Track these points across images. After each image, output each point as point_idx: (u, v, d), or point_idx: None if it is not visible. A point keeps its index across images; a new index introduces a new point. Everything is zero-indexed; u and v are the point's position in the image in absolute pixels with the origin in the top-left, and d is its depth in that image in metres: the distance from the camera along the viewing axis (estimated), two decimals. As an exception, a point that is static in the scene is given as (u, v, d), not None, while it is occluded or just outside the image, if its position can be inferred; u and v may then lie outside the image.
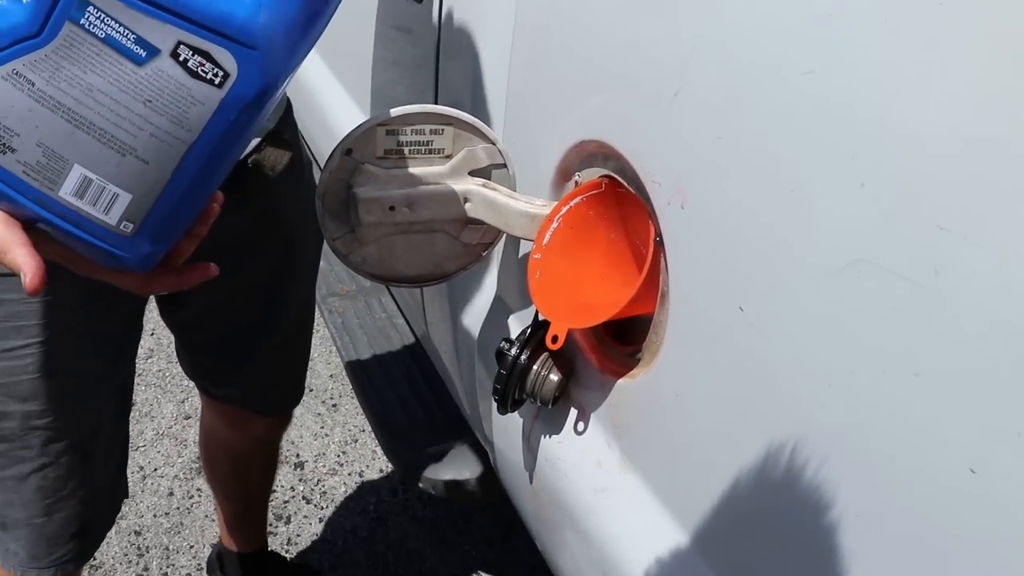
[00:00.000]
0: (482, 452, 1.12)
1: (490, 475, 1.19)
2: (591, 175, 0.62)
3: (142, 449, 1.68)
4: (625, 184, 0.58)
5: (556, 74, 0.50)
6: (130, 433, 0.96)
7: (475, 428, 1.04)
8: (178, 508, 1.58)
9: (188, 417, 1.77)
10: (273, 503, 1.59)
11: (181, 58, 0.45)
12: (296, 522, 1.56)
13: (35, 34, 0.45)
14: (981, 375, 0.35)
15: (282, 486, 1.63)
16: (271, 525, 1.54)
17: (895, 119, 0.37)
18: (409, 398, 1.31)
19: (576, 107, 0.61)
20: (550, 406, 0.68)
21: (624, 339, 0.64)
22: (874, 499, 0.40)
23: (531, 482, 0.76)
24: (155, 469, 1.65)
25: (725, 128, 0.47)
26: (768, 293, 0.46)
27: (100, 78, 0.46)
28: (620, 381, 0.62)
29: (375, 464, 1.70)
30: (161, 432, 1.74)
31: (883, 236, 0.38)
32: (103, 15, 0.44)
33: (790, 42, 0.43)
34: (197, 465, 1.66)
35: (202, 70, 0.46)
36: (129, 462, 0.98)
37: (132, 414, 1.06)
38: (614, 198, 0.61)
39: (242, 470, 1.23)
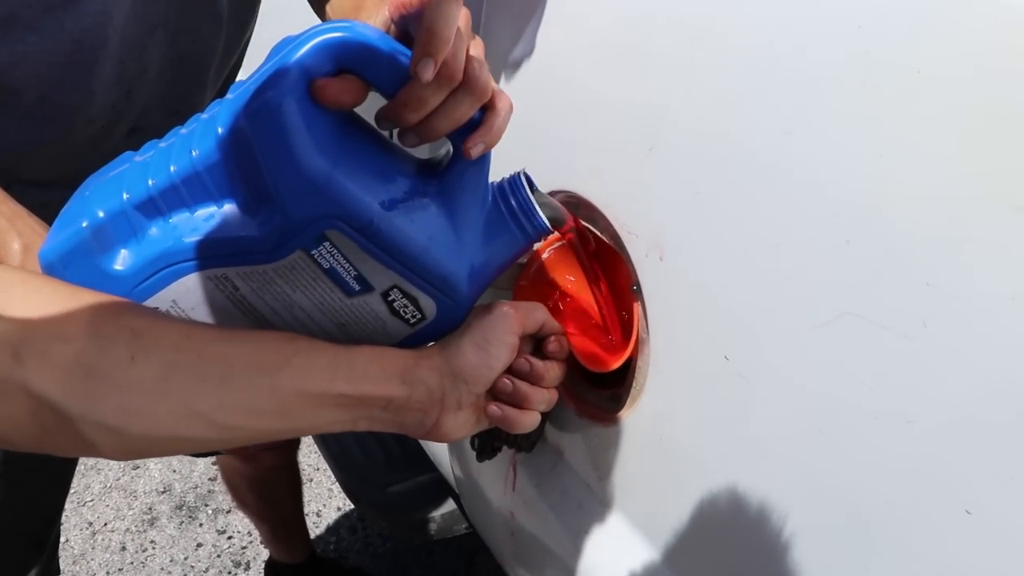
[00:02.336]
0: (444, 487, 1.10)
1: (453, 511, 1.17)
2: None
3: (90, 504, 1.59)
4: (598, 233, 0.58)
5: (523, 125, 0.50)
6: (76, 488, 0.92)
7: (441, 467, 1.02)
8: (132, 563, 1.50)
9: (136, 467, 1.69)
10: (230, 549, 1.52)
11: (390, 298, 0.47)
12: (256, 568, 1.50)
13: (263, 252, 0.45)
14: (973, 421, 0.35)
15: (238, 531, 1.57)
16: (229, 573, 1.47)
17: (880, 178, 0.38)
18: (366, 435, 1.28)
19: (544, 158, 0.60)
20: (529, 452, 0.67)
21: (600, 383, 0.63)
22: (871, 546, 0.40)
23: (510, 525, 0.75)
24: (105, 524, 1.57)
25: (702, 184, 0.48)
26: (753, 344, 0.46)
27: (306, 298, 0.47)
28: (599, 424, 0.61)
29: (332, 503, 1.66)
30: (109, 485, 1.65)
31: (869, 290, 0.39)
32: (335, 251, 0.45)
33: (766, 105, 0.43)
34: (149, 516, 1.58)
35: (404, 311, 0.49)
36: (77, 518, 0.93)
37: (78, 468, 1.00)
38: (573, 248, 0.61)
39: (267, 494, 1.22)
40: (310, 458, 1.73)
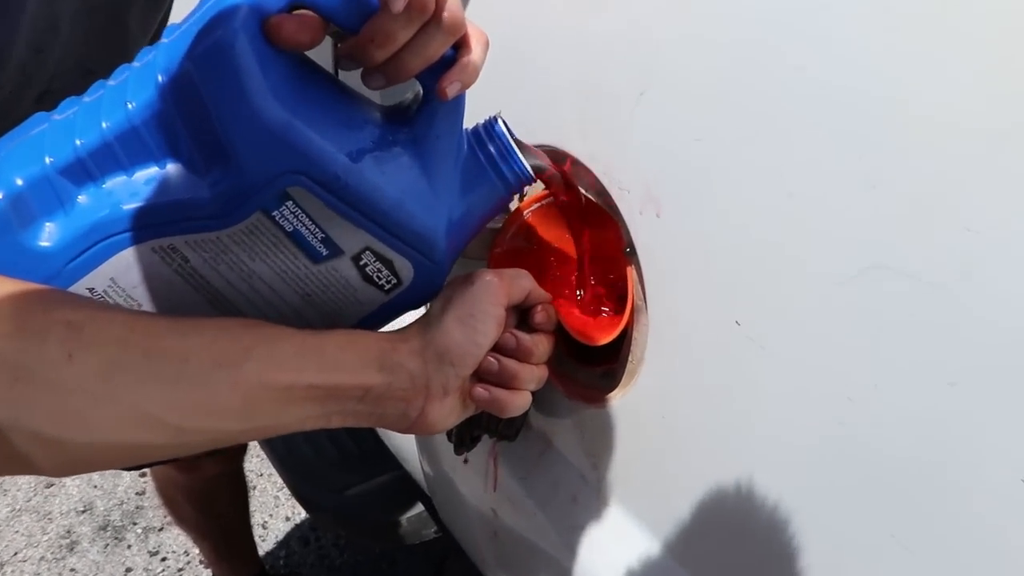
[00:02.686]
0: (410, 486, 1.09)
1: (421, 513, 1.16)
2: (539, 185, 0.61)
3: (-3, 530, 1.55)
4: (583, 191, 0.57)
5: (495, 66, 0.49)
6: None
7: (407, 464, 1.01)
8: (50, 594, 1.47)
9: (50, 485, 1.65)
10: (165, 573, 1.50)
11: (361, 262, 0.47)
12: (196, 590, 1.48)
13: (216, 217, 0.44)
14: None
15: (173, 551, 1.55)
16: (167, 599, 1.45)
17: (909, 111, 0.38)
18: (316, 431, 1.27)
19: (520, 106, 0.59)
20: (512, 440, 0.67)
21: (591, 358, 0.63)
22: (914, 523, 0.41)
23: (492, 525, 0.75)
24: (15, 553, 1.53)
25: (703, 129, 0.47)
26: (768, 305, 0.46)
27: (267, 267, 0.46)
28: (592, 406, 0.61)
29: (279, 512, 1.64)
30: (18, 508, 1.61)
31: (901, 239, 0.39)
32: (299, 211, 0.44)
33: (776, 32, 0.43)
34: (68, 540, 1.55)
35: (378, 276, 0.48)
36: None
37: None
38: (557, 206, 0.61)
39: (209, 507, 1.21)
40: (252, 462, 1.71)
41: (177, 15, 0.54)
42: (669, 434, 0.55)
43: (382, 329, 0.52)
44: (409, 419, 0.49)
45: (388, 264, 0.48)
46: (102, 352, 0.38)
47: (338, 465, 1.16)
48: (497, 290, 0.51)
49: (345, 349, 0.46)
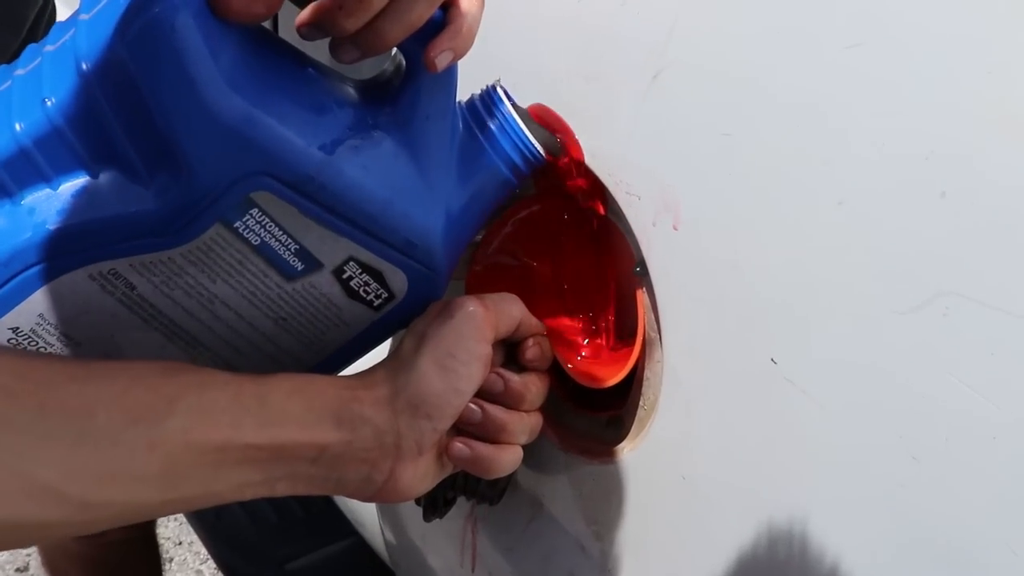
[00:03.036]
0: (367, 558, 1.08)
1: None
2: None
3: None
4: (579, 198, 0.57)
5: (480, 43, 0.49)
6: None
7: (364, 530, 1.00)
8: None
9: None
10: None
11: (344, 275, 0.47)
12: None
13: (166, 232, 0.43)
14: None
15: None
16: None
17: (987, 105, 0.38)
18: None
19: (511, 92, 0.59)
20: (494, 503, 0.67)
21: (591, 403, 0.63)
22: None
23: (469, 607, 0.74)
24: None
25: (732, 120, 0.47)
26: (812, 339, 0.45)
27: (231, 289, 0.46)
28: (593, 461, 0.61)
29: (204, 588, 1.62)
30: None
31: (976, 260, 0.39)
32: (266, 220, 0.44)
33: (822, 7, 0.43)
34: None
35: (364, 291, 0.49)
36: None
37: None
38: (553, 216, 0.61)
39: None
40: (168, 527, 1.69)
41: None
42: (689, 497, 0.54)
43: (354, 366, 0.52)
44: (375, 485, 0.48)
45: (377, 276, 0.48)
46: None
47: (278, 532, 1.15)
48: (482, 323, 0.50)
49: (293, 398, 0.45)
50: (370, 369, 0.50)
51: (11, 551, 1.65)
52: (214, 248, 0.45)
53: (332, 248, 0.46)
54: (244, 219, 0.44)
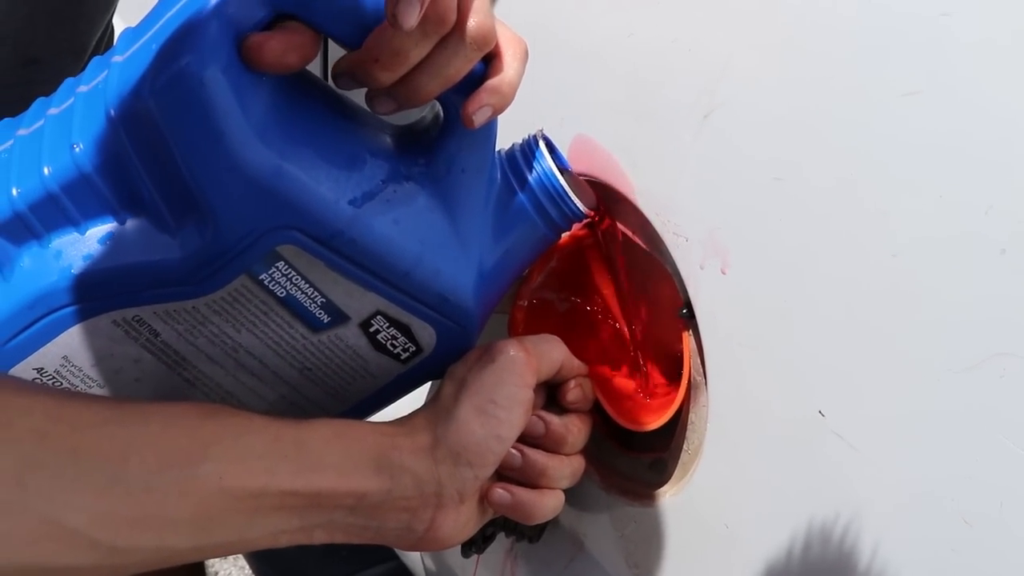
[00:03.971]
0: (408, 581, 1.08)
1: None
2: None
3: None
4: (630, 235, 0.56)
5: (529, 88, 0.49)
6: None
7: (405, 556, 1.00)
8: None
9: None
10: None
11: (371, 329, 0.47)
12: None
13: (191, 282, 0.44)
14: None
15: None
16: None
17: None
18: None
19: (553, 128, 0.59)
20: (534, 541, 0.66)
21: (634, 444, 0.62)
22: None
23: (506, 643, 0.73)
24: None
25: (785, 163, 0.46)
26: (862, 394, 0.44)
27: (256, 339, 0.46)
28: (635, 503, 0.60)
29: (248, 604, 1.63)
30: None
31: (1036, 320, 0.37)
32: (293, 273, 0.44)
33: (882, 51, 0.42)
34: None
35: (391, 344, 0.48)
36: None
37: None
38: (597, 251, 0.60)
39: None
40: (215, 540, 1.71)
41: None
42: (731, 547, 0.53)
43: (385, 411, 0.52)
44: (415, 534, 0.48)
45: (405, 330, 0.48)
46: (14, 449, 0.37)
47: (323, 554, 1.15)
48: (524, 368, 0.50)
49: (332, 444, 0.45)
50: (410, 416, 0.50)
51: None
52: (239, 299, 0.45)
53: (359, 302, 0.46)
54: (270, 271, 0.44)
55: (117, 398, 0.45)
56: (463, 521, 0.49)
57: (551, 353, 0.52)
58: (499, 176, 0.50)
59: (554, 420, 0.51)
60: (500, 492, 0.50)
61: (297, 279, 0.45)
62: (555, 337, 0.53)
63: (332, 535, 0.46)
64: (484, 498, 0.50)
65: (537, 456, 0.50)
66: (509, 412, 0.49)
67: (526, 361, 0.50)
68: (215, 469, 0.41)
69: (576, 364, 0.53)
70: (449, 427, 0.48)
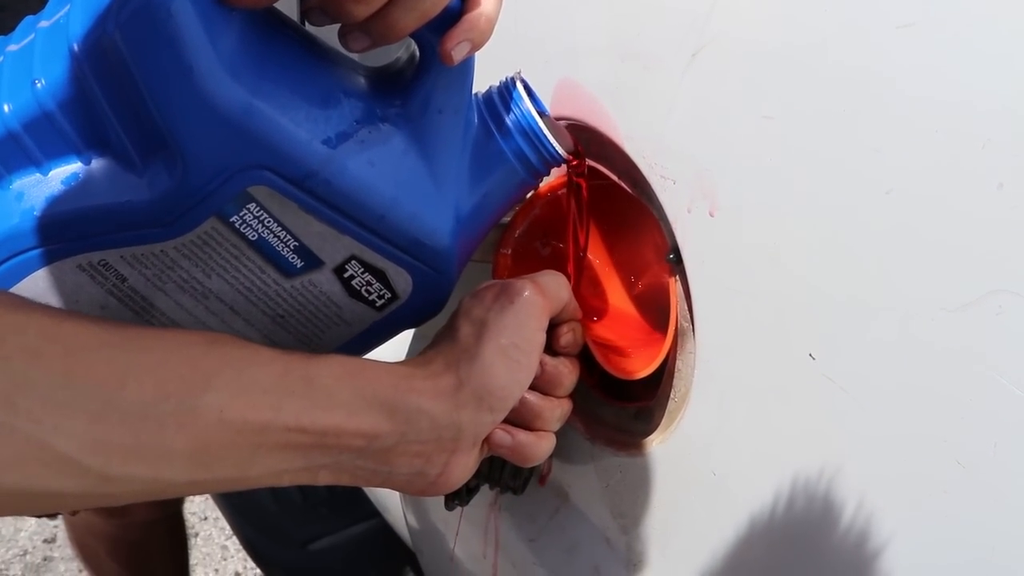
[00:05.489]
0: (391, 541, 1.09)
1: (404, 573, 1.16)
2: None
3: None
4: (615, 178, 0.56)
5: (510, 27, 0.48)
6: None
7: (388, 513, 1.00)
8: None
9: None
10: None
11: (346, 274, 0.47)
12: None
13: (159, 224, 0.43)
14: None
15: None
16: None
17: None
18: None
19: (542, 73, 0.58)
20: (518, 493, 0.66)
21: (620, 393, 0.61)
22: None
23: (491, 597, 0.74)
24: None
25: (775, 102, 0.45)
26: (853, 335, 0.44)
27: (227, 284, 0.45)
28: (621, 453, 0.60)
29: (228, 566, 1.64)
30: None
31: (1034, 256, 0.37)
32: (265, 215, 0.43)
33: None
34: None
35: (366, 290, 0.48)
36: None
37: None
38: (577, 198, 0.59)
39: (138, 562, 1.21)
40: (194, 503, 1.71)
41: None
42: (719, 494, 0.53)
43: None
44: (427, 479, 0.47)
45: (380, 275, 0.47)
46: (5, 368, 0.36)
47: (301, 512, 1.15)
48: (541, 311, 0.49)
49: (343, 382, 0.44)
50: (426, 356, 0.48)
51: (39, 522, 1.67)
52: (209, 242, 0.44)
53: (333, 246, 0.45)
54: (241, 213, 0.43)
55: (118, 321, 0.43)
56: (471, 465, 0.49)
57: (560, 293, 0.51)
58: (476, 119, 0.49)
59: (549, 362, 0.51)
60: (501, 434, 0.49)
61: (269, 221, 0.44)
62: (561, 276, 0.52)
63: (338, 477, 0.45)
64: (485, 441, 0.50)
65: (534, 398, 0.50)
66: (529, 356, 0.48)
67: (543, 304, 0.50)
68: (216, 401, 0.40)
69: (573, 306, 0.53)
70: (473, 369, 0.47)
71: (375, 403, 0.44)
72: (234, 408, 0.40)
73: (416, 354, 0.50)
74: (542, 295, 0.50)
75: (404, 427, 0.45)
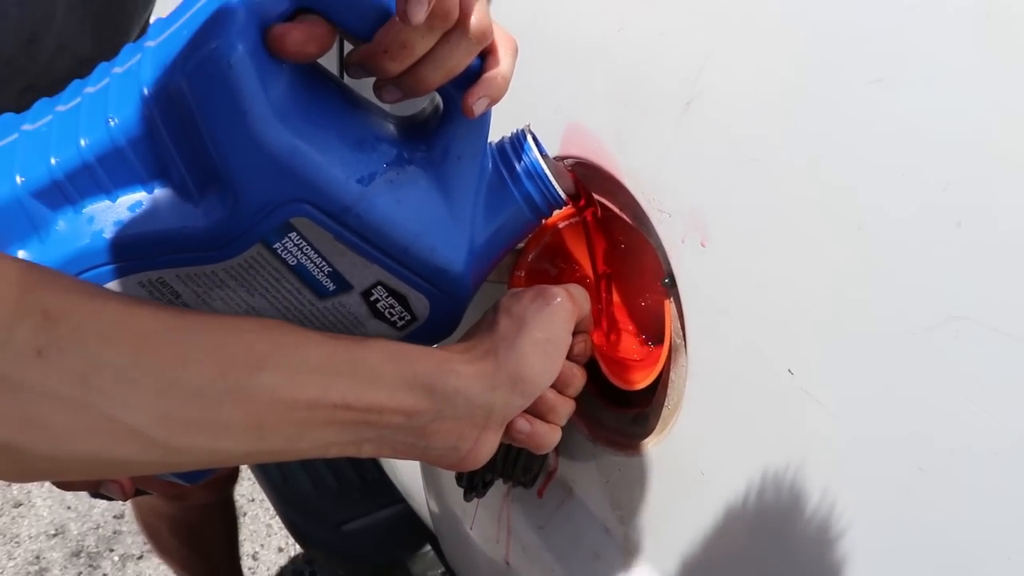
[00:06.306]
0: (415, 524, 1.08)
1: (427, 553, 1.15)
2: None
3: (-39, 553, 1.55)
4: (617, 211, 0.55)
5: (520, 70, 0.48)
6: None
7: (412, 500, 0.99)
8: (19, 623, 1.47)
9: (19, 505, 1.65)
10: (145, 605, 1.49)
11: (372, 298, 0.46)
12: (178, 626, 1.47)
13: (211, 248, 0.43)
14: None
15: (154, 581, 1.54)
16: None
17: (1004, 141, 0.36)
18: (315, 460, 1.26)
19: (548, 114, 0.57)
20: (529, 487, 0.65)
21: (619, 400, 0.61)
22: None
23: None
24: (-17, 576, 1.53)
25: (760, 147, 0.45)
26: (827, 354, 0.43)
27: (267, 302, 0.45)
28: (620, 453, 0.59)
29: (271, 542, 1.63)
30: (-14, 528, 1.61)
31: (989, 288, 0.36)
32: (304, 243, 0.43)
33: (849, 42, 0.41)
34: (36, 567, 1.54)
35: (389, 312, 0.47)
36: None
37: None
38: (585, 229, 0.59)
39: (196, 540, 1.20)
40: (243, 485, 1.70)
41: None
42: (707, 491, 0.53)
43: None
44: (459, 453, 0.47)
45: (402, 299, 0.47)
46: (81, 350, 0.35)
47: (337, 497, 1.15)
48: (571, 314, 0.50)
49: (387, 363, 0.43)
50: (467, 344, 0.48)
51: (110, 502, 1.67)
52: (254, 265, 0.44)
53: (362, 272, 0.45)
54: (283, 241, 0.43)
55: (182, 308, 0.43)
56: (495, 444, 0.48)
57: (584, 304, 0.52)
58: (491, 165, 0.49)
59: (564, 365, 0.51)
60: (523, 422, 0.49)
61: (307, 249, 0.44)
62: (583, 289, 0.52)
63: (380, 450, 0.44)
64: (508, 426, 0.49)
65: (550, 394, 0.50)
66: (559, 351, 0.49)
67: (572, 309, 0.50)
68: (270, 380, 0.39)
69: (588, 319, 0.53)
70: (511, 357, 0.47)
71: (416, 383, 0.44)
72: (286, 387, 0.40)
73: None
74: (572, 301, 0.50)
75: (441, 405, 0.44)
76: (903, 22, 0.39)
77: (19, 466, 0.36)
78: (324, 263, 0.44)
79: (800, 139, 0.43)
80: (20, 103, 0.47)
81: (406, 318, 0.48)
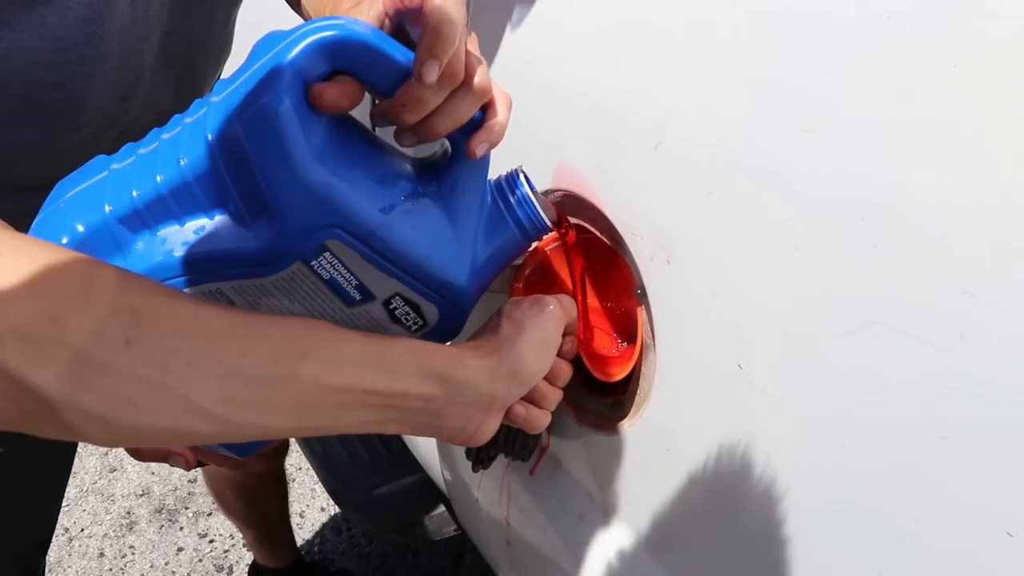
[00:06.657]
0: (432, 490, 1.08)
1: (442, 513, 1.14)
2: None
3: (66, 510, 1.55)
4: (597, 233, 0.55)
5: (517, 117, 0.48)
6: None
7: (430, 470, 0.99)
8: (110, 569, 1.46)
9: (113, 470, 1.65)
10: (212, 553, 1.49)
11: (391, 306, 0.46)
12: (239, 572, 1.47)
13: (261, 265, 0.43)
14: (1016, 437, 0.33)
15: (220, 534, 1.54)
16: (212, 578, 1.44)
17: (910, 178, 0.36)
18: (351, 435, 1.26)
19: (540, 154, 0.58)
20: (526, 460, 0.65)
21: (599, 389, 0.61)
22: (901, 571, 0.38)
23: (505, 534, 0.73)
24: (82, 529, 1.53)
25: (715, 183, 0.45)
26: (770, 352, 0.43)
27: (304, 309, 0.45)
28: (601, 433, 0.59)
29: (315, 503, 1.63)
30: (85, 489, 1.61)
31: (899, 299, 0.36)
32: (336, 261, 0.43)
33: (785, 100, 0.41)
34: (127, 520, 1.54)
35: (405, 318, 0.47)
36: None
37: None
38: (570, 249, 0.59)
39: (254, 501, 1.22)
40: (291, 457, 1.70)
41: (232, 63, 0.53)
42: (672, 464, 0.52)
43: None
44: (467, 432, 0.46)
45: (416, 308, 0.47)
46: (161, 341, 0.36)
47: (368, 466, 1.15)
48: (561, 320, 0.50)
49: (409, 357, 0.43)
50: (475, 343, 0.48)
51: (183, 471, 1.67)
52: (295, 279, 0.44)
53: (383, 285, 0.45)
54: (319, 259, 0.43)
55: (242, 308, 0.43)
56: (496, 426, 0.48)
57: (572, 311, 0.52)
58: (490, 198, 0.50)
59: (555, 360, 0.51)
60: (520, 407, 0.49)
61: (339, 266, 0.44)
62: (572, 301, 0.52)
63: (402, 428, 0.44)
64: (508, 411, 0.49)
65: (543, 385, 0.50)
66: (551, 350, 0.49)
67: (562, 315, 0.50)
68: (312, 370, 0.39)
69: (576, 323, 0.53)
70: (511, 354, 0.47)
71: (432, 374, 0.44)
72: (325, 375, 0.40)
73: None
74: (563, 308, 0.50)
75: (453, 392, 0.44)
76: (830, 84, 0.39)
77: (109, 434, 0.36)
78: (352, 277, 0.44)
79: (747, 176, 0.43)
80: (113, 148, 0.48)
81: (419, 323, 0.48)
